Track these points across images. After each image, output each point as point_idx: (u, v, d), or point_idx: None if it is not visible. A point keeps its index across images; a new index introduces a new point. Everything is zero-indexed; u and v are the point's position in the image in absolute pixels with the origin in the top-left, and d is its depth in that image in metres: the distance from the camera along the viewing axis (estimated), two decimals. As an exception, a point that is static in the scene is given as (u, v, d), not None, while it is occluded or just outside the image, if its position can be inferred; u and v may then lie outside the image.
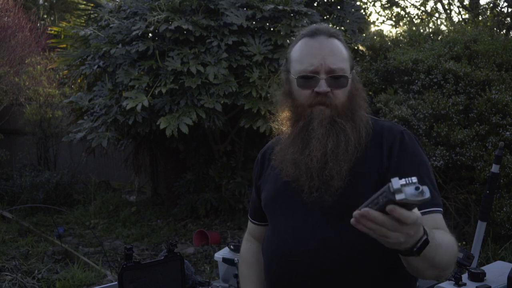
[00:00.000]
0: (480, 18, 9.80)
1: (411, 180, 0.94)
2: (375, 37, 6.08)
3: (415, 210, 1.00)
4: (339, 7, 6.32)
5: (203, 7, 5.37)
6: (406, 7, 16.76)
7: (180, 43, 5.19)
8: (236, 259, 2.17)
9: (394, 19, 12.22)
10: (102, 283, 4.27)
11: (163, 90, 4.88)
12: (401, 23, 11.88)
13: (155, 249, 5.50)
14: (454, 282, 2.09)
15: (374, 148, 1.39)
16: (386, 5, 11.95)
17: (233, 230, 5.85)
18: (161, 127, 4.82)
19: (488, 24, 9.17)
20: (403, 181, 0.94)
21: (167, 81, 4.95)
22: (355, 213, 1.02)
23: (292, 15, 5.29)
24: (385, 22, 20.38)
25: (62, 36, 7.08)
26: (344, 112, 1.40)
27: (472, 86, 4.66)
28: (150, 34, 5.49)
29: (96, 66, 5.72)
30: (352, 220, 1.03)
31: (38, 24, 10.94)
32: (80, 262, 4.77)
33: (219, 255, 2.69)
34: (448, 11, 11.35)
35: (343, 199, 1.35)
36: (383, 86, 5.24)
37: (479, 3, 10.04)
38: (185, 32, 5.05)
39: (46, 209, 6.87)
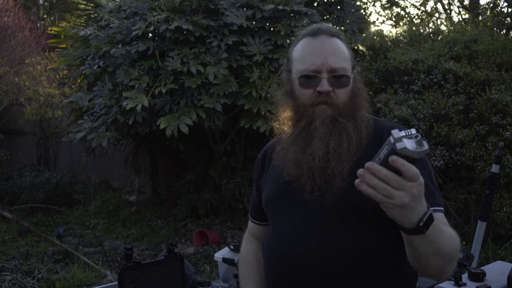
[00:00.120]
0: (480, 18, 9.81)
1: (411, 131, 0.98)
2: (375, 37, 6.09)
3: None
4: (339, 7, 6.32)
5: (203, 7, 5.38)
6: (406, 7, 16.78)
7: (180, 43, 5.19)
8: (236, 259, 2.17)
9: (394, 19, 12.23)
10: (102, 283, 4.27)
11: (163, 90, 4.88)
12: (401, 23, 11.89)
13: (155, 249, 5.50)
14: (454, 282, 2.09)
15: (375, 148, 1.38)
16: (386, 5, 11.95)
17: (233, 230, 5.85)
18: (161, 127, 4.82)
19: (488, 24, 9.17)
20: (403, 133, 0.98)
21: (167, 81, 4.95)
22: (359, 171, 1.03)
23: (292, 15, 5.29)
24: (385, 22, 20.41)
25: (62, 36, 7.08)
26: (346, 112, 1.40)
27: (472, 86, 4.66)
28: (150, 34, 5.49)
29: (96, 66, 5.72)
30: (357, 180, 1.04)
31: (38, 24, 10.94)
32: (80, 262, 4.77)
33: (219, 255, 2.69)
34: (448, 11, 11.35)
35: (344, 199, 1.35)
36: (383, 86, 5.24)
37: (479, 3, 10.05)
38: (185, 32, 5.05)
39: (46, 209, 6.87)
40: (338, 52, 1.41)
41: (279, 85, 1.55)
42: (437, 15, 11.87)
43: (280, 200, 1.48)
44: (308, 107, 1.41)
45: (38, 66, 8.52)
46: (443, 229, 1.18)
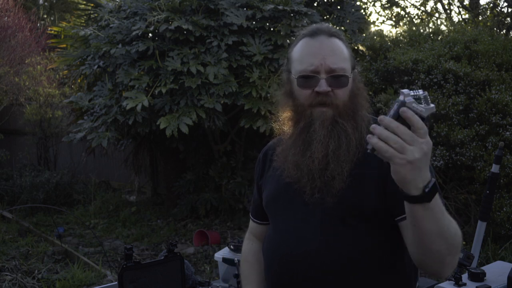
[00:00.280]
0: (480, 18, 9.81)
1: (418, 91, 1.07)
2: (375, 37, 6.09)
3: None
4: (339, 7, 6.32)
5: (203, 7, 5.38)
6: (406, 7, 16.79)
7: (180, 43, 5.19)
8: (236, 259, 2.17)
9: (394, 19, 12.24)
10: (102, 283, 4.27)
11: (163, 90, 4.88)
12: (401, 23, 11.90)
13: (155, 249, 5.50)
14: (454, 282, 2.09)
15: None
16: (386, 5, 11.96)
17: (233, 230, 5.85)
18: (161, 127, 4.82)
19: (488, 24, 9.17)
20: (412, 92, 1.06)
21: (167, 81, 4.95)
22: (372, 126, 1.06)
23: (292, 15, 5.29)
24: (385, 22, 20.42)
25: (62, 36, 7.08)
26: (345, 112, 1.39)
27: (472, 86, 4.66)
28: (150, 34, 5.49)
29: (96, 66, 5.72)
30: (368, 135, 1.06)
31: (38, 24, 10.94)
32: (80, 262, 4.77)
33: (219, 255, 2.69)
34: (448, 11, 11.36)
35: (344, 200, 1.35)
36: (383, 86, 5.24)
37: (479, 3, 10.05)
38: (185, 32, 5.05)
39: (46, 209, 6.87)
40: (337, 52, 1.40)
41: (279, 85, 1.55)
42: (437, 15, 11.87)
43: (280, 200, 1.48)
44: (307, 108, 1.40)
45: (38, 66, 8.52)
46: (445, 212, 1.17)
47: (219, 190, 6.18)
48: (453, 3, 11.48)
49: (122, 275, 1.72)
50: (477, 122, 4.51)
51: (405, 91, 1.06)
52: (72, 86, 7.89)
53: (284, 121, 1.50)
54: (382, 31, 8.83)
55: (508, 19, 9.62)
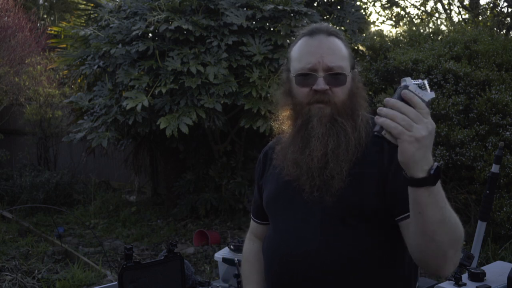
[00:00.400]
0: (480, 18, 9.81)
1: (418, 80, 1.13)
2: (375, 37, 6.09)
3: None
4: (339, 7, 6.32)
5: (203, 7, 5.38)
6: (406, 7, 16.81)
7: (180, 43, 5.19)
8: (236, 259, 2.17)
9: (394, 19, 12.24)
10: (102, 283, 4.27)
11: (163, 90, 4.88)
12: (401, 23, 11.90)
13: (155, 249, 5.50)
14: (454, 282, 2.09)
15: (374, 149, 1.39)
16: (386, 5, 11.96)
17: (233, 230, 5.85)
18: (161, 127, 4.82)
19: (488, 24, 9.18)
20: (414, 81, 1.13)
21: (167, 81, 4.95)
22: (379, 108, 1.10)
23: (292, 15, 5.29)
24: (385, 22, 20.44)
25: (62, 36, 7.08)
26: (344, 111, 1.39)
27: (472, 86, 4.66)
28: (150, 34, 5.49)
29: (96, 66, 5.72)
30: (376, 116, 1.10)
31: (38, 24, 10.94)
32: (80, 262, 4.77)
33: (219, 255, 2.69)
34: (448, 11, 11.36)
35: (343, 199, 1.35)
36: (383, 86, 5.24)
37: (479, 3, 10.05)
38: (185, 32, 5.05)
39: (46, 209, 6.87)
40: (335, 51, 1.41)
41: (279, 85, 1.56)
42: (437, 15, 11.88)
43: (280, 200, 1.48)
44: (305, 106, 1.41)
45: (38, 66, 8.52)
46: (448, 203, 1.19)
47: (219, 190, 6.18)
48: (453, 3, 11.48)
49: (122, 275, 1.72)
50: (477, 122, 4.50)
51: (407, 78, 1.12)
52: (72, 86, 7.89)
53: (283, 120, 1.50)
54: (382, 31, 8.85)
55: (508, 19, 9.62)
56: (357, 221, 1.36)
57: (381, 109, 1.09)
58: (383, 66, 5.31)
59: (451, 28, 6.85)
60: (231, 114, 5.66)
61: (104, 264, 4.90)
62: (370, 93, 5.22)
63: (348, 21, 6.10)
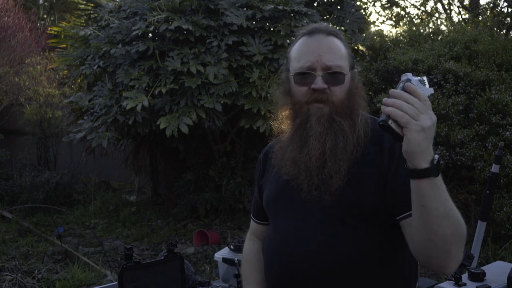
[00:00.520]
0: (480, 18, 9.81)
1: (418, 77, 1.16)
2: (375, 37, 6.09)
3: None
4: (339, 7, 6.32)
5: (203, 7, 5.38)
6: (406, 7, 16.80)
7: (180, 43, 5.19)
8: (236, 259, 2.17)
9: (394, 19, 12.24)
10: (102, 283, 4.27)
11: (163, 90, 4.88)
12: (401, 23, 11.90)
13: (155, 249, 5.50)
14: (454, 282, 2.09)
15: (373, 148, 1.39)
16: (386, 5, 11.96)
17: (233, 230, 5.85)
18: (161, 127, 4.82)
19: (488, 24, 9.17)
20: (416, 77, 1.16)
21: (167, 81, 4.95)
22: (384, 99, 1.12)
23: (292, 15, 5.29)
24: (385, 22, 20.43)
25: (62, 36, 7.08)
26: (342, 110, 1.39)
27: (472, 86, 4.66)
28: (150, 34, 5.49)
29: (96, 66, 5.72)
30: (382, 106, 1.12)
31: (38, 24, 10.94)
32: (80, 262, 4.77)
33: (219, 255, 2.69)
34: (448, 11, 11.36)
35: (342, 198, 1.35)
36: (383, 86, 5.24)
37: (479, 3, 10.05)
38: (185, 32, 5.05)
39: (46, 209, 6.87)
40: (334, 50, 1.41)
41: (279, 85, 1.56)
42: (437, 15, 11.88)
43: (280, 200, 1.48)
44: (304, 105, 1.41)
45: (38, 66, 8.52)
46: (450, 199, 1.19)
47: (219, 190, 6.18)
48: (453, 3, 11.48)
49: (122, 275, 1.72)
50: (477, 122, 4.50)
51: (408, 73, 1.16)
52: (72, 86, 7.89)
53: (282, 120, 1.50)
54: (382, 31, 8.85)
55: (508, 19, 9.62)
56: (357, 221, 1.36)
57: (387, 100, 1.11)
58: (383, 66, 5.31)
59: (451, 28, 6.85)
60: (231, 114, 5.66)
61: (104, 264, 4.90)
62: (370, 93, 5.22)
63: (348, 21, 6.10)
